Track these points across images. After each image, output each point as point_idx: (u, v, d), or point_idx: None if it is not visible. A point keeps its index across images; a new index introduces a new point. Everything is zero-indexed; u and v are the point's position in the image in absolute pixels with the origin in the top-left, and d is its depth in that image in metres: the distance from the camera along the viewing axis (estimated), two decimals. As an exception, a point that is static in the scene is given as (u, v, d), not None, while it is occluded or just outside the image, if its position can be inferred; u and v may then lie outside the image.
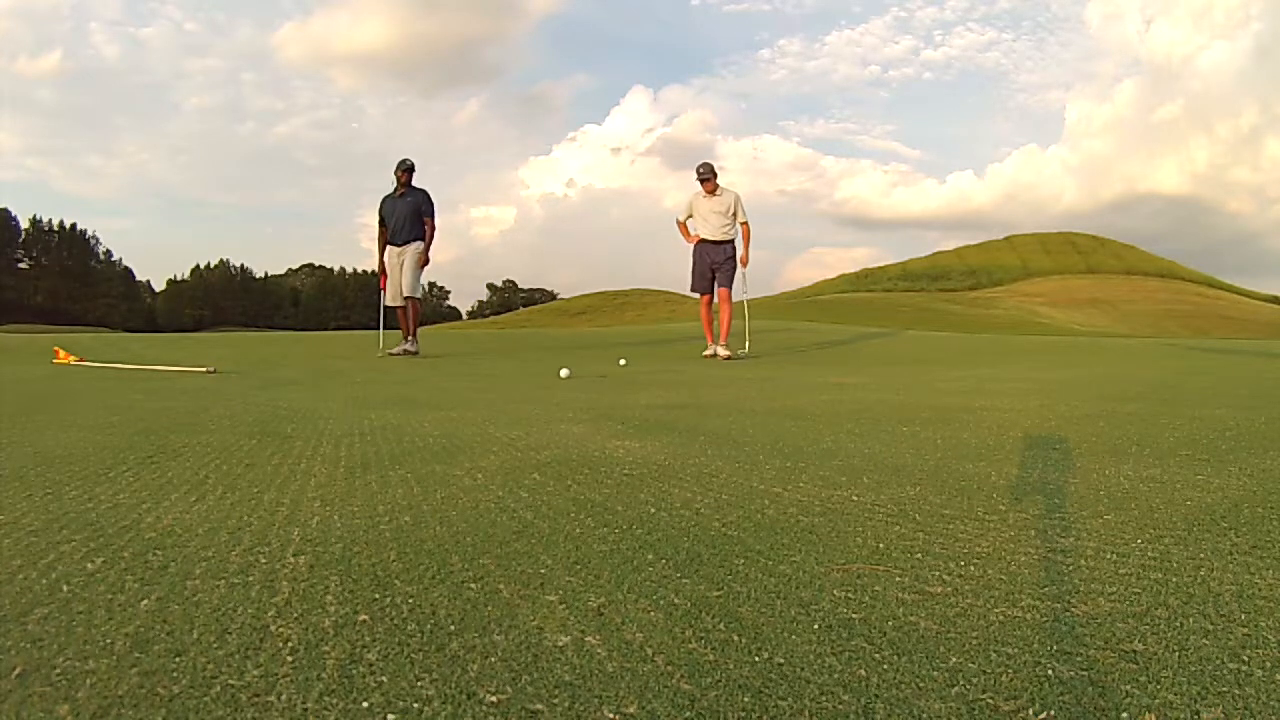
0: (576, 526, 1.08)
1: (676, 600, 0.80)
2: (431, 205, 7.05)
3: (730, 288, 6.52)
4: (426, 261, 7.02)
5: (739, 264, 6.57)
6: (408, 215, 6.98)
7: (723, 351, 6.34)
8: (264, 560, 0.92)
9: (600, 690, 0.61)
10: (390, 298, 6.92)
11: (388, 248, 6.95)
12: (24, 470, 1.45)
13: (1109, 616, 0.74)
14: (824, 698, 0.60)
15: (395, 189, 7.02)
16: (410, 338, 6.82)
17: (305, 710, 0.58)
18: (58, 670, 0.64)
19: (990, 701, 0.59)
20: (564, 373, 4.40)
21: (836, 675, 0.63)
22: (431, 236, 6.98)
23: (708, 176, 6.48)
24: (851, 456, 1.61)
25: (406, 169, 6.99)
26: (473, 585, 0.84)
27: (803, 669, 0.64)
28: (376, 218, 7.05)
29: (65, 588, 0.83)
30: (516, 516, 1.13)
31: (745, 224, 6.60)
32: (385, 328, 7.15)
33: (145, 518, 1.11)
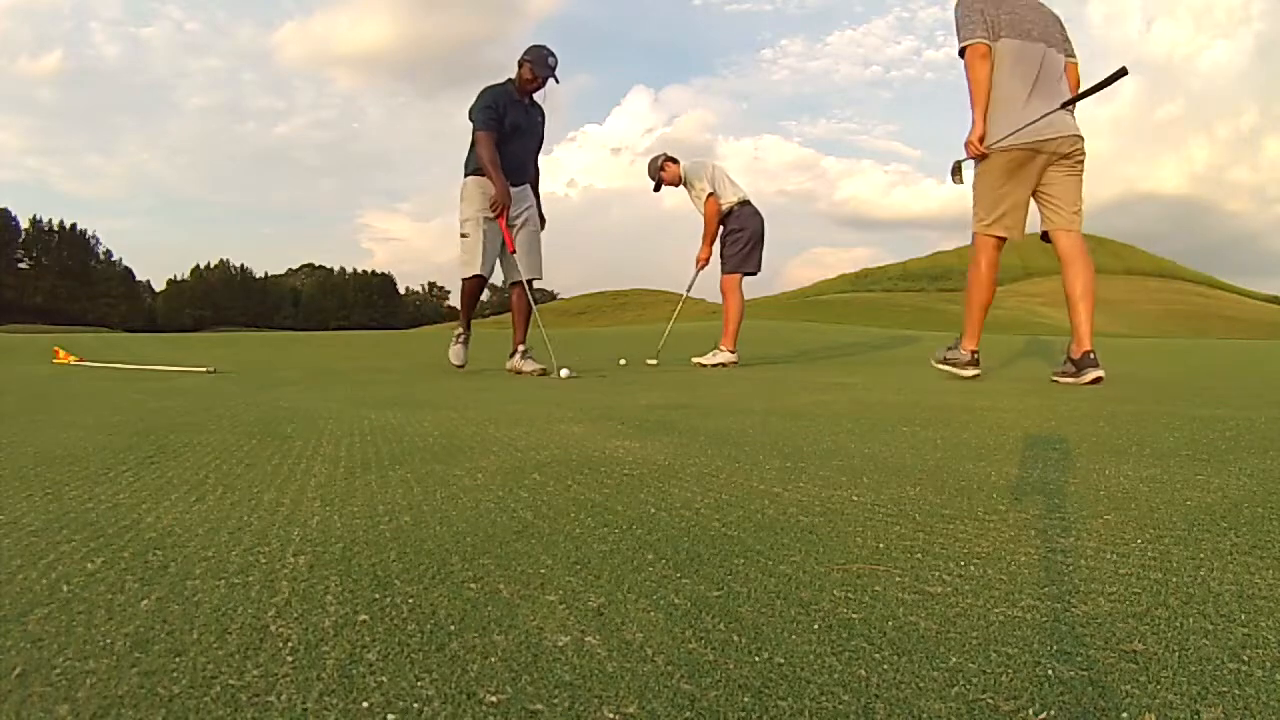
0: (576, 526, 1.08)
1: (676, 600, 0.80)
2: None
3: (725, 274, 5.27)
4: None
5: (719, 243, 5.25)
6: (537, 143, 4.61)
7: (721, 357, 5.24)
8: (264, 560, 0.92)
9: (600, 690, 0.61)
10: (482, 266, 4.33)
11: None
12: (24, 470, 1.45)
13: (1109, 616, 0.74)
14: (824, 698, 0.60)
15: (511, 87, 4.35)
16: (522, 345, 4.62)
17: (305, 710, 0.58)
18: (58, 670, 0.64)
19: (990, 701, 0.59)
20: (564, 372, 4.30)
21: (836, 675, 0.63)
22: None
23: (656, 182, 5.36)
24: (851, 456, 1.61)
25: (549, 71, 4.31)
26: (473, 585, 0.84)
27: (803, 669, 0.64)
28: (482, 126, 4.19)
29: (65, 588, 0.83)
30: (516, 516, 1.13)
31: (706, 198, 5.19)
32: (465, 321, 4.70)
33: (145, 518, 1.11)
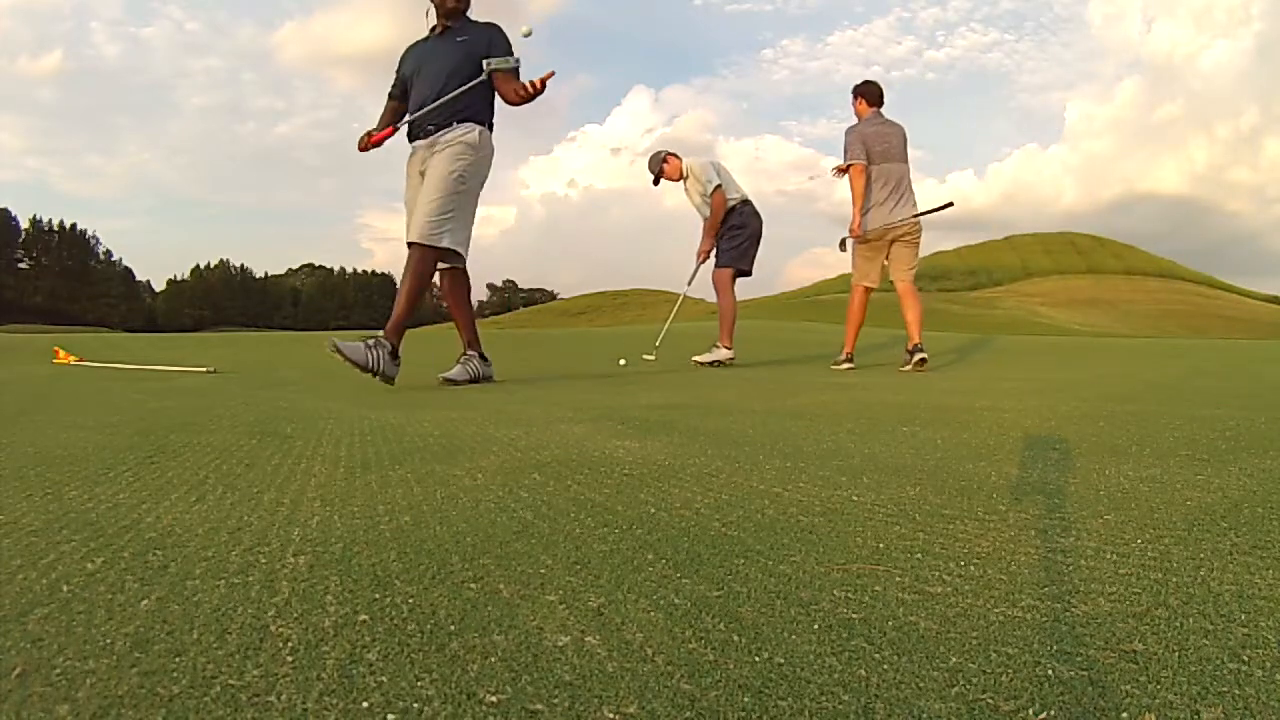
0: (576, 526, 1.08)
1: (676, 600, 0.80)
2: (509, 47, 3.41)
3: (718, 268, 5.33)
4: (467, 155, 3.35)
5: (716, 240, 5.32)
6: (449, 70, 3.36)
7: (719, 354, 5.26)
8: (264, 560, 0.92)
9: (600, 690, 0.61)
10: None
11: (414, 147, 3.48)
12: (24, 470, 1.45)
13: (1109, 616, 0.74)
14: (824, 698, 0.60)
15: (430, 31, 3.53)
16: (469, 351, 3.69)
17: (305, 710, 0.58)
18: (58, 670, 0.64)
19: (990, 701, 0.59)
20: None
21: (836, 675, 0.63)
22: (523, 95, 3.28)
23: (656, 175, 5.39)
24: (851, 456, 1.61)
25: None
26: (473, 585, 0.84)
27: (803, 669, 0.64)
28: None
29: (65, 588, 0.82)
30: (516, 516, 1.13)
31: (714, 190, 5.22)
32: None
33: (145, 518, 1.11)
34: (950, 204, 5.00)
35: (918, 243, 4.86)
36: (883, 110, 4.89)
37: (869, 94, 4.86)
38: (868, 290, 4.93)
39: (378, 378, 3.25)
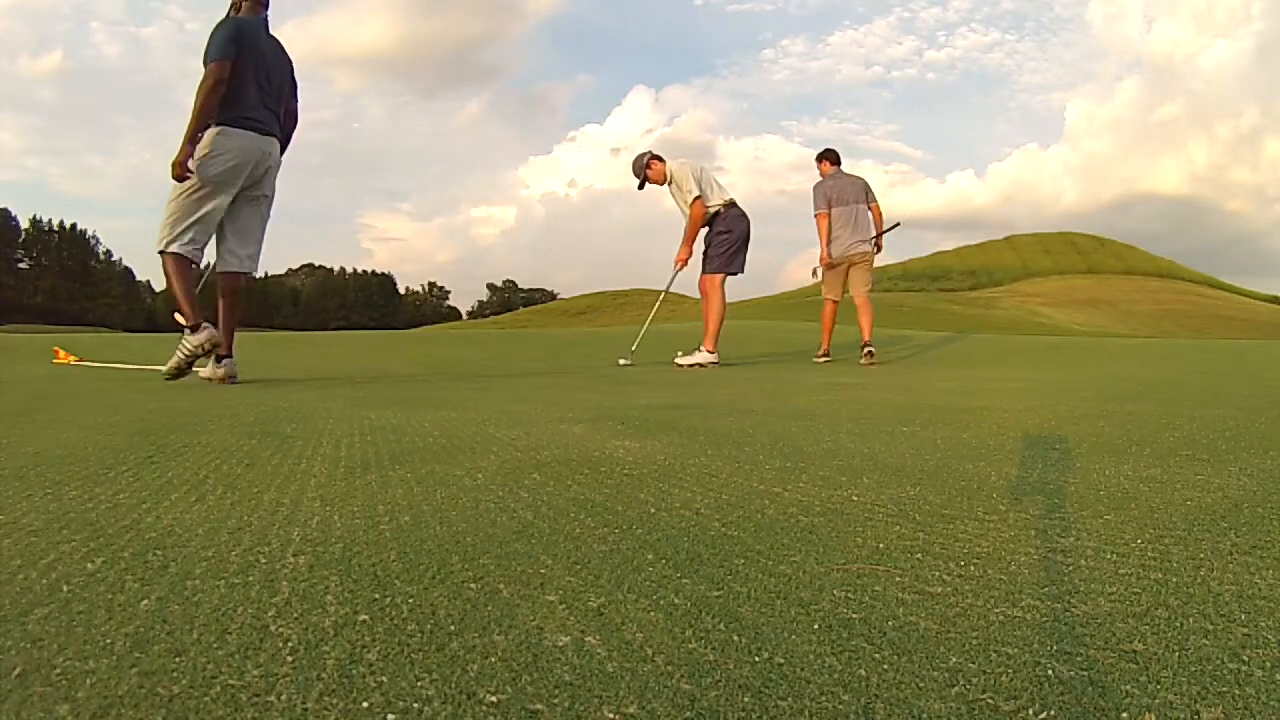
0: (576, 526, 1.08)
1: (676, 600, 0.80)
2: (211, 44, 3.39)
3: (706, 274, 5.47)
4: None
5: (705, 244, 5.50)
6: (287, 80, 3.66)
7: (699, 357, 5.33)
8: (264, 560, 0.92)
9: (600, 690, 0.61)
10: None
11: (245, 133, 3.46)
12: (24, 470, 1.45)
13: (1109, 616, 0.74)
14: (824, 698, 0.60)
15: (241, 6, 3.51)
16: (225, 356, 3.70)
17: (305, 710, 0.58)
18: (58, 670, 0.64)
19: (990, 701, 0.59)
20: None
21: (836, 675, 0.63)
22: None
23: (641, 179, 5.47)
24: (851, 456, 1.61)
25: None
26: (473, 585, 0.84)
27: (803, 669, 0.64)
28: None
29: (65, 588, 0.82)
30: (516, 516, 1.13)
31: (693, 201, 5.34)
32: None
33: (145, 518, 1.11)
34: (898, 224, 6.25)
35: (870, 266, 6.17)
36: (842, 167, 6.26)
37: (830, 157, 6.29)
38: (834, 303, 6.29)
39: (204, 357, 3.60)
